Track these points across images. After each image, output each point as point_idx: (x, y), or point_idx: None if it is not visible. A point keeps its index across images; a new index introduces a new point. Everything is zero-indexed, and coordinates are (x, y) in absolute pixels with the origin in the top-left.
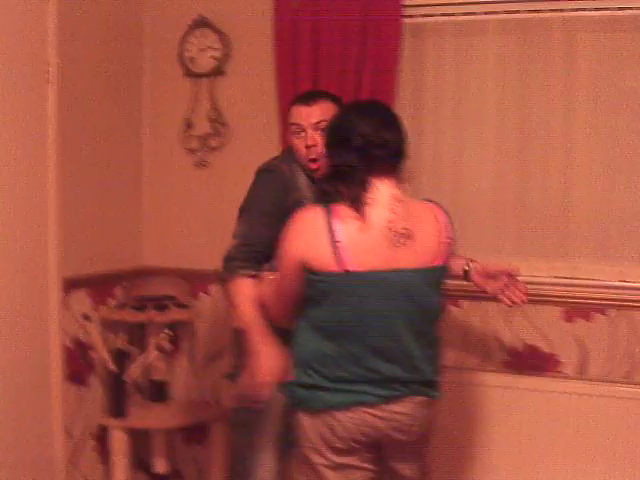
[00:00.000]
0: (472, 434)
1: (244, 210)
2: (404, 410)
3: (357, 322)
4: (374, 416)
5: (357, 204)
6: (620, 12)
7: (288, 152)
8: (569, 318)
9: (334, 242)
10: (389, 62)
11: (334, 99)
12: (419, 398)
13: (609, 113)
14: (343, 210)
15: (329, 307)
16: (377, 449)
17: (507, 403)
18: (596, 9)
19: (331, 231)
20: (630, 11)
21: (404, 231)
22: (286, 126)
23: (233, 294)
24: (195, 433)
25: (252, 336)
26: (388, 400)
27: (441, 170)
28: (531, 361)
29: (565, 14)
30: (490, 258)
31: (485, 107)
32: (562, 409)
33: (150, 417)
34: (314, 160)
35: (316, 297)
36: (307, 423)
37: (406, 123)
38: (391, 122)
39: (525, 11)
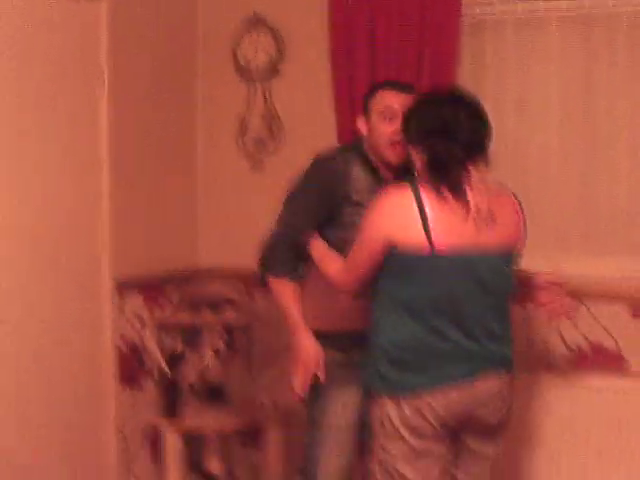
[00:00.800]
0: (534, 433)
1: (290, 197)
2: (489, 386)
3: (443, 300)
4: (461, 393)
5: (459, 190)
6: None
7: (350, 145)
8: (637, 314)
9: (424, 223)
10: (448, 60)
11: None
12: (502, 375)
13: None
14: (431, 191)
15: (415, 286)
16: (459, 432)
17: (572, 403)
18: None
19: (422, 211)
20: None
21: (489, 214)
22: (344, 124)
23: (276, 293)
24: (251, 436)
25: (298, 333)
26: (473, 376)
27: (504, 168)
28: (598, 360)
29: (629, 8)
30: (556, 255)
31: (549, 104)
32: (629, 407)
33: (205, 419)
34: (397, 143)
35: (401, 276)
36: (392, 406)
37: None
38: (481, 111)
39: (587, 5)
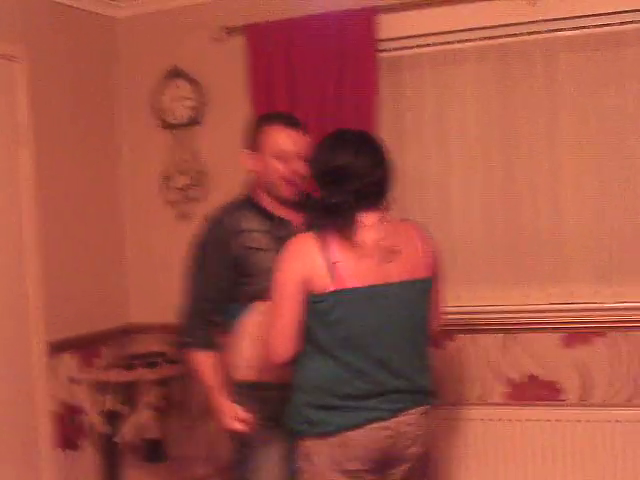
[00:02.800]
0: (475, 469)
1: (192, 270)
2: (412, 421)
3: (359, 337)
4: (386, 430)
5: (347, 236)
6: (598, 29)
7: (242, 195)
8: (568, 344)
9: (330, 263)
10: (367, 98)
11: None
12: (423, 408)
13: (594, 133)
14: (334, 235)
15: (328, 326)
16: (384, 468)
17: (508, 436)
18: (574, 28)
19: (326, 253)
20: (608, 27)
21: (392, 248)
22: None
23: (193, 365)
24: None
25: (215, 398)
26: (396, 413)
27: (427, 202)
28: (531, 391)
29: (543, 36)
30: (485, 288)
31: (468, 135)
32: (565, 437)
33: (146, 478)
34: (292, 183)
35: (314, 318)
36: (318, 448)
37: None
38: (383, 157)
39: (502, 36)
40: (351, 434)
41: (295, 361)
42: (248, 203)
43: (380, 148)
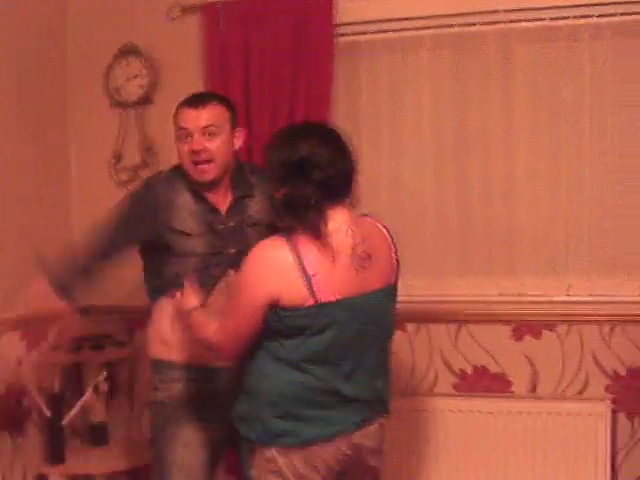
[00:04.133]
0: (424, 460)
1: (112, 212)
2: (373, 433)
3: (331, 350)
4: (349, 443)
5: (318, 234)
6: (554, 22)
7: (178, 166)
8: (518, 336)
9: (307, 274)
10: (323, 82)
11: (224, 101)
12: (381, 419)
13: (548, 125)
14: (306, 240)
15: (302, 340)
16: (343, 476)
17: (458, 427)
18: (530, 20)
19: (301, 264)
20: (564, 21)
21: (365, 254)
22: None
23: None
24: (138, 476)
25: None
26: (360, 425)
27: (379, 189)
28: (481, 382)
29: (499, 26)
30: (435, 278)
31: (422, 123)
32: (514, 429)
33: (90, 462)
34: (197, 163)
35: (287, 332)
36: (279, 459)
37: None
38: (344, 148)
39: (459, 25)
40: (317, 446)
41: (255, 367)
42: (185, 178)
43: (342, 138)
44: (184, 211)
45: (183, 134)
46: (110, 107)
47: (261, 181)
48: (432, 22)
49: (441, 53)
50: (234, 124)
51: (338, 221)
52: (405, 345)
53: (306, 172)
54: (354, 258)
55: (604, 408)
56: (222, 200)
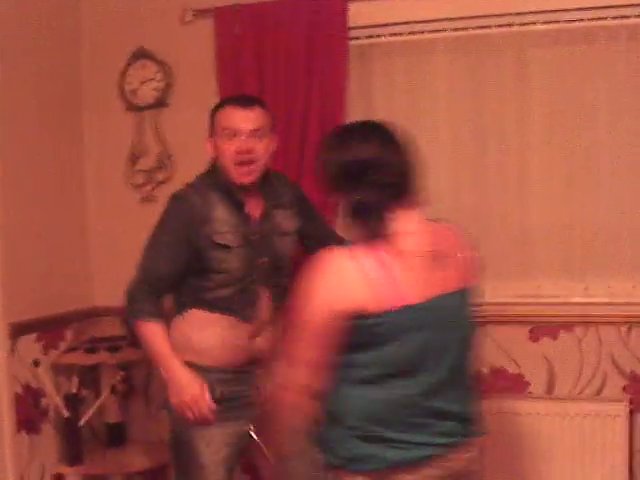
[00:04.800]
0: None
1: (150, 242)
2: (465, 457)
3: (415, 359)
4: (436, 469)
5: (386, 238)
6: (570, 24)
7: (208, 174)
8: (535, 338)
9: (375, 280)
10: (337, 85)
11: (265, 105)
12: (474, 439)
13: (564, 128)
14: (371, 243)
15: (379, 352)
16: None
17: None
18: (545, 22)
19: (367, 268)
20: (580, 23)
21: (438, 254)
22: None
23: (143, 337)
24: (155, 476)
25: (173, 366)
26: (450, 448)
27: None
28: (499, 383)
29: (515, 29)
30: None
31: (438, 126)
32: (532, 430)
33: (107, 462)
34: (241, 164)
35: (361, 344)
36: None
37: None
38: (404, 146)
39: (474, 28)
40: (400, 472)
41: (333, 390)
42: (220, 186)
43: (400, 136)
44: (223, 223)
45: (229, 133)
46: (125, 111)
47: (287, 189)
48: (447, 25)
49: (456, 56)
50: (273, 128)
51: (407, 223)
52: None
53: (369, 175)
54: (425, 258)
55: (622, 409)
56: (254, 207)
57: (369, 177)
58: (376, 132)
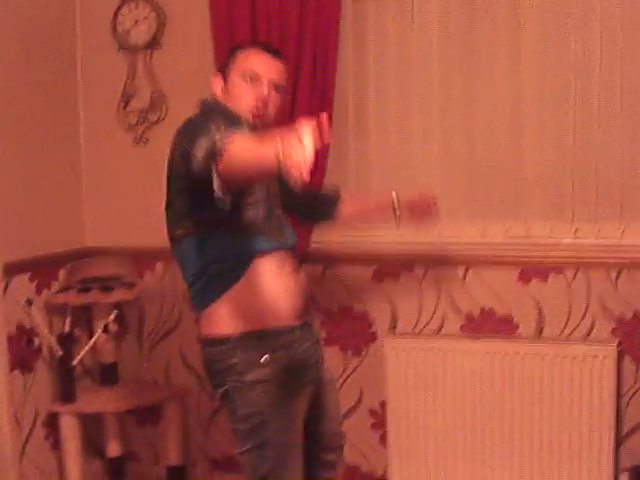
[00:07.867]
0: (430, 399)
1: (195, 125)
2: None
3: None
4: None
5: None
6: None
7: (214, 108)
8: (525, 280)
9: None
10: (330, 28)
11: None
12: None
13: (557, 73)
14: None
15: None
16: None
17: (464, 368)
18: None
19: None
20: None
21: None
22: None
23: (237, 157)
24: (147, 414)
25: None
26: None
27: (386, 133)
28: (488, 324)
29: None
30: (441, 222)
31: (429, 71)
32: (521, 372)
33: (100, 401)
34: (256, 111)
35: None
36: None
37: (349, 85)
38: None
39: None
40: None
41: None
42: (222, 114)
43: None
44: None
45: (252, 77)
46: (118, 51)
47: None
48: None
49: (449, 2)
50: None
51: None
52: (414, 287)
53: None
54: None
55: (610, 351)
56: None
57: None
58: None
